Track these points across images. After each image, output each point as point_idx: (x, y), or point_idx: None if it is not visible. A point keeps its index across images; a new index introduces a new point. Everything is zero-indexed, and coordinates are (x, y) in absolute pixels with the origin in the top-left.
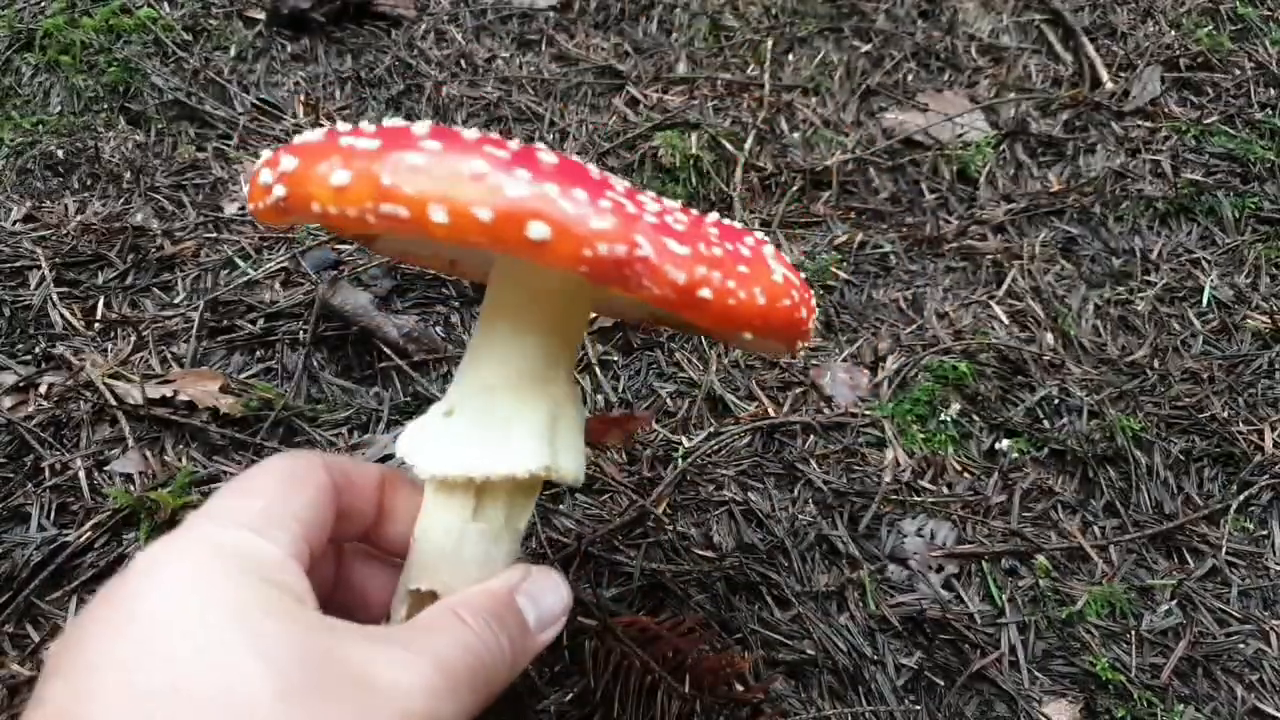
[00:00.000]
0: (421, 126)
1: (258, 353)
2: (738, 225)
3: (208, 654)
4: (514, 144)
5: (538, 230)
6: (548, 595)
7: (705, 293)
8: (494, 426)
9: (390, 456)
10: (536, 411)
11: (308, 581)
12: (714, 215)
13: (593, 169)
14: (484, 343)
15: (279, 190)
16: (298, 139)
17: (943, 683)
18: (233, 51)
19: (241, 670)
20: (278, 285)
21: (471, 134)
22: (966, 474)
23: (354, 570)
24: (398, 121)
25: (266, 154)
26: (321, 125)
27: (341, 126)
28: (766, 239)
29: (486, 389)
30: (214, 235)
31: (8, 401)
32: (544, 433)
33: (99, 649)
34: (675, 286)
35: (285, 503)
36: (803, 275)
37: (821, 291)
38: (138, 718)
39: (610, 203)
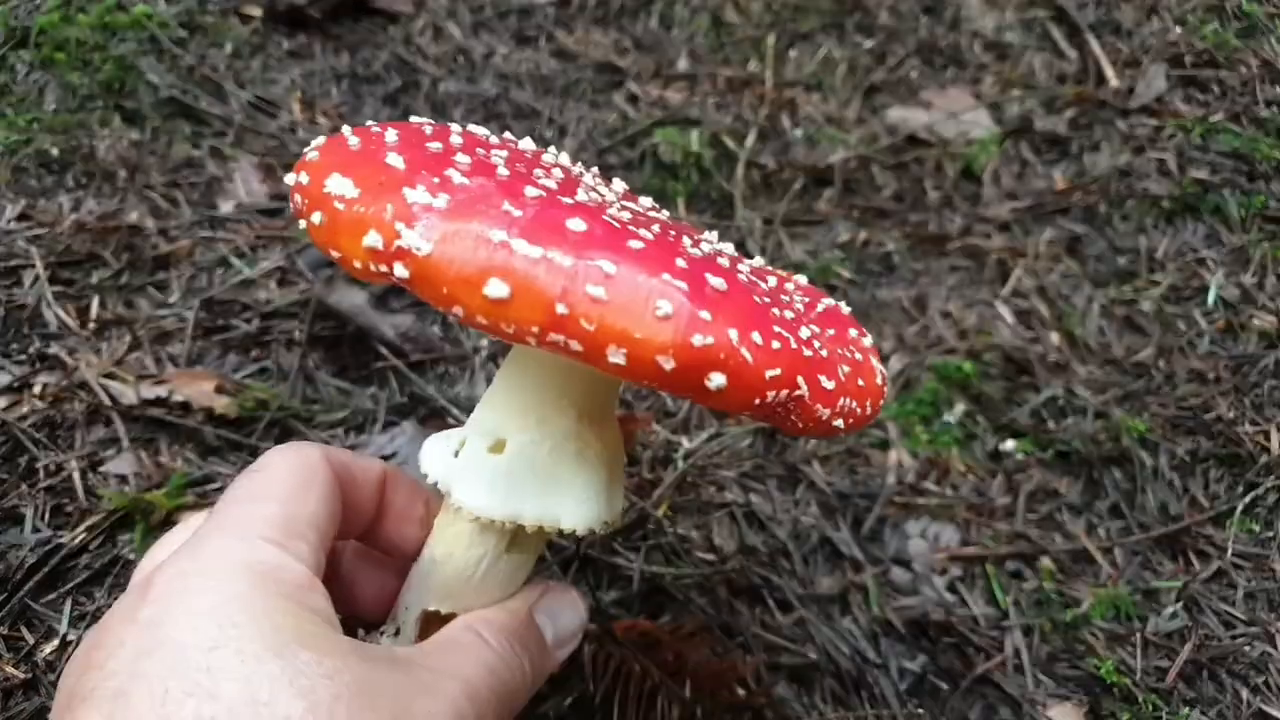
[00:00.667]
0: (571, 208)
1: (253, 352)
2: (832, 305)
3: (251, 691)
4: (670, 233)
5: (717, 381)
6: (565, 612)
7: (839, 423)
8: (555, 479)
9: (387, 457)
10: (598, 466)
11: (329, 599)
12: (802, 281)
13: (748, 275)
14: (536, 370)
15: (420, 244)
16: (455, 181)
17: (946, 686)
18: (228, 48)
19: (285, 711)
20: (273, 284)
21: (616, 212)
22: (971, 475)
23: (344, 565)
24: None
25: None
26: (316, 123)
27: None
28: (859, 327)
29: (544, 429)
30: (209, 234)
31: (2, 401)
32: (604, 488)
33: (129, 677)
34: (819, 422)
35: (300, 506)
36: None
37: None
38: None
39: (779, 341)
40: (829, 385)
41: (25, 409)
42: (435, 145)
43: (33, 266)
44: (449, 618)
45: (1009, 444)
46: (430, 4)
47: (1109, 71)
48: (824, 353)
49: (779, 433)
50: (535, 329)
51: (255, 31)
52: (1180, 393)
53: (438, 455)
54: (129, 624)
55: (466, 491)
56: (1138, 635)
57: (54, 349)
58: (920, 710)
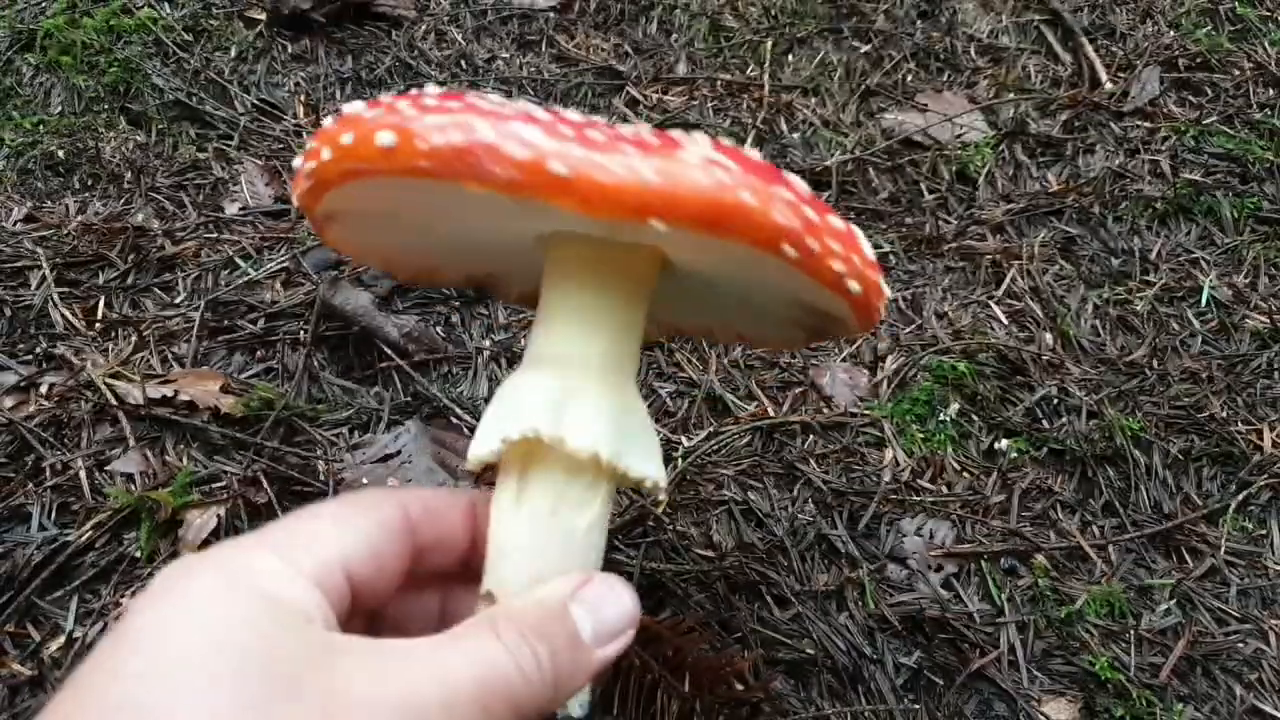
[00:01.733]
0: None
1: (258, 353)
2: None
3: (176, 670)
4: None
5: (385, 139)
6: (608, 604)
7: (557, 166)
8: (553, 392)
9: (390, 456)
10: (606, 393)
11: (320, 598)
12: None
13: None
14: (552, 319)
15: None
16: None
17: (942, 682)
18: (233, 52)
19: (207, 697)
20: (278, 285)
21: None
22: (966, 474)
23: (461, 600)
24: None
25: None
26: (320, 126)
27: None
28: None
29: (551, 360)
30: (214, 235)
31: (9, 401)
32: (614, 417)
33: (111, 663)
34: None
35: (324, 529)
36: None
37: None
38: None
39: (443, 116)
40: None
41: (32, 408)
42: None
43: (39, 267)
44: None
45: (1003, 443)
46: (433, 9)
47: (1103, 75)
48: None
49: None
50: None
51: (260, 35)
52: (1174, 392)
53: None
54: (121, 618)
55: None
56: (1131, 632)
57: (60, 349)
58: (916, 705)
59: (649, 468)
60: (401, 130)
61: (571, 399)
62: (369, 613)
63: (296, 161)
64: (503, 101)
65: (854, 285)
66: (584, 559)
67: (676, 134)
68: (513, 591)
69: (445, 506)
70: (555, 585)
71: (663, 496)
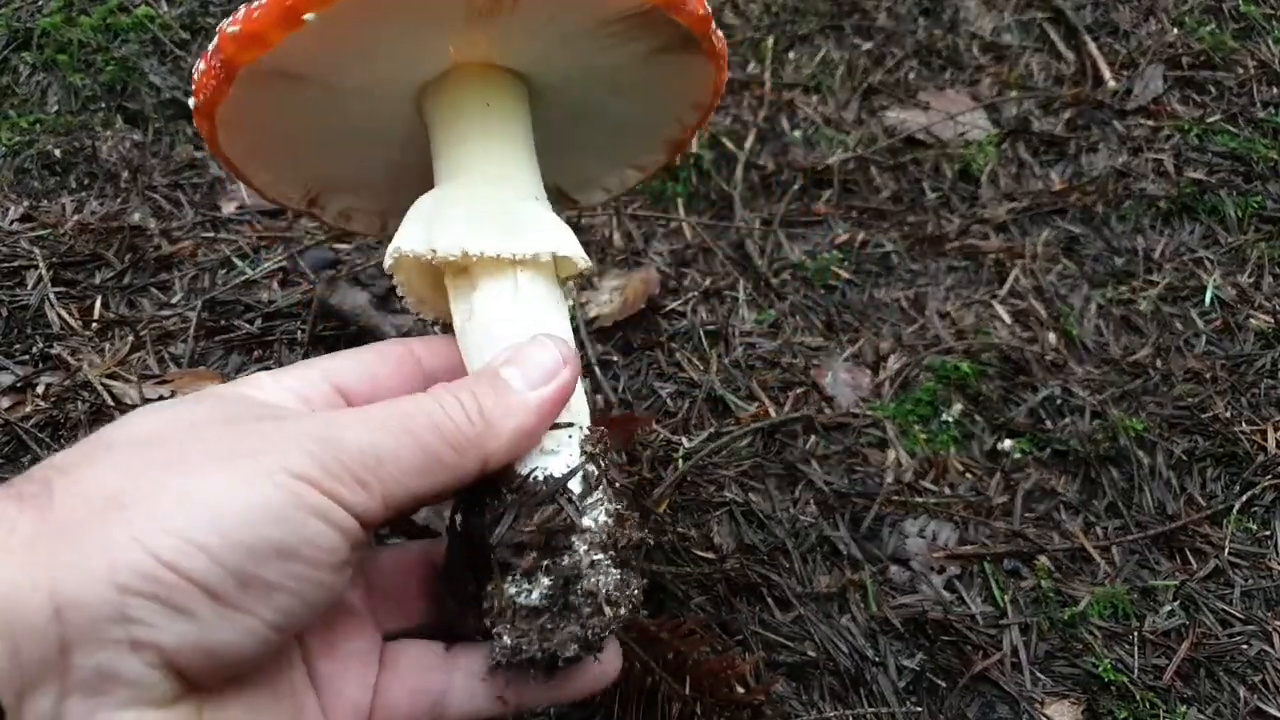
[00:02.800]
0: None
1: (255, 352)
2: None
3: (146, 414)
4: None
5: None
6: (534, 353)
7: None
8: (425, 210)
9: None
10: (476, 195)
11: (293, 400)
12: None
13: None
14: (440, 155)
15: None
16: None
17: (944, 684)
18: None
19: (162, 418)
20: (275, 285)
21: None
22: (968, 474)
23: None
24: None
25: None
26: None
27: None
28: None
29: (437, 186)
30: (212, 235)
31: (5, 402)
32: (484, 214)
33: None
34: None
35: (321, 358)
36: None
37: (823, 291)
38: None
39: None
40: None
41: (28, 409)
42: None
43: (36, 267)
44: None
45: (1006, 443)
46: None
47: (1106, 73)
48: None
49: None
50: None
51: None
52: (1177, 392)
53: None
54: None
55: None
56: (1135, 633)
57: (57, 349)
58: (918, 708)
59: (550, 245)
60: None
61: (439, 211)
62: None
63: (199, 66)
64: None
65: (715, 36)
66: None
67: None
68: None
69: (450, 345)
70: (490, 360)
71: (582, 265)
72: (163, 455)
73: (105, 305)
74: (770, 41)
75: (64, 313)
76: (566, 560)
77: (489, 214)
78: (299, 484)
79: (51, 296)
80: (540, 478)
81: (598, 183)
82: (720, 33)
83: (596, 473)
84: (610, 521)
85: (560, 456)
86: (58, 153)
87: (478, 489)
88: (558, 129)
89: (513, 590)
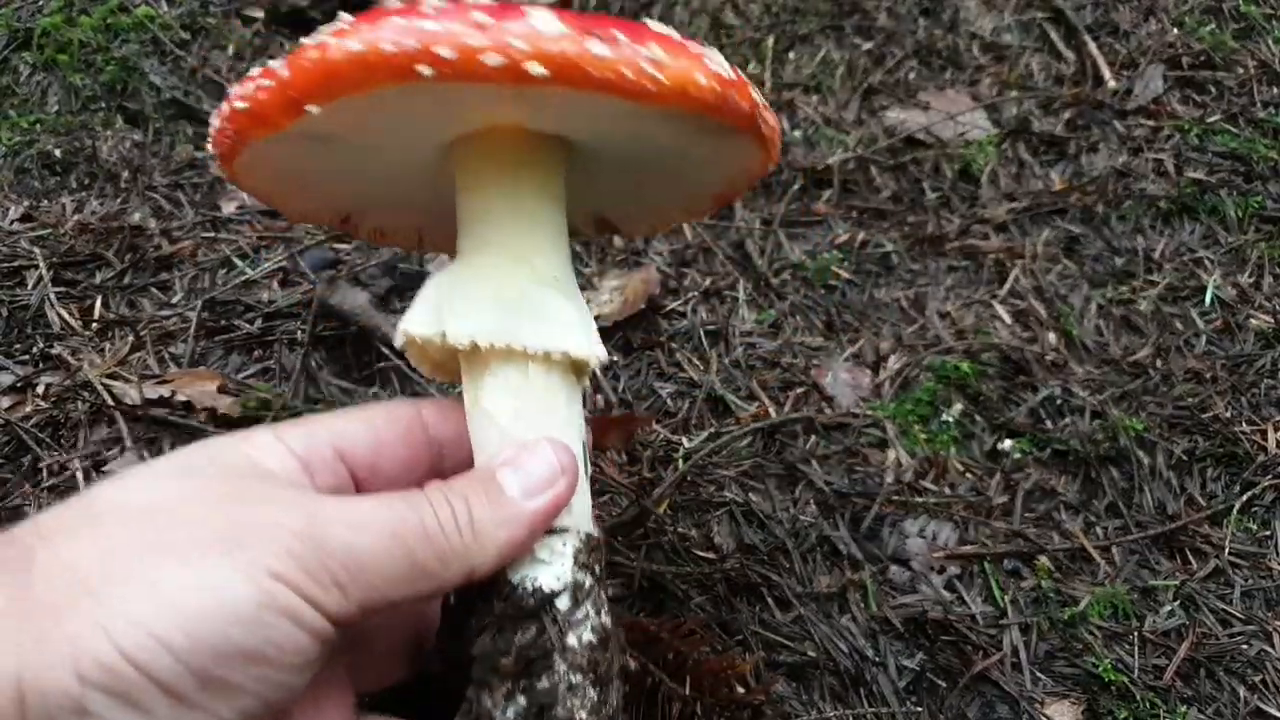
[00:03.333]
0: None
1: (255, 353)
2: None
3: (140, 478)
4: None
5: (492, 60)
6: (533, 461)
7: (537, 69)
8: (440, 289)
9: None
10: (496, 277)
11: (294, 465)
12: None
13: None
14: (464, 221)
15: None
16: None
17: (945, 684)
18: (231, 50)
19: (155, 486)
20: (276, 285)
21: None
22: (969, 474)
23: None
24: None
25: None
26: None
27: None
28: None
29: (458, 258)
30: (212, 235)
31: (5, 402)
32: (503, 300)
33: (68, 505)
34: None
35: (326, 417)
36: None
37: (823, 291)
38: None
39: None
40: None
41: (29, 409)
42: None
43: (36, 267)
44: None
45: (1007, 443)
46: None
47: (1106, 73)
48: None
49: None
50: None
51: (257, 33)
52: (1177, 392)
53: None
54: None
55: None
56: (1135, 633)
57: (57, 349)
58: (919, 708)
59: (563, 342)
60: (363, 40)
61: (453, 292)
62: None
63: (214, 119)
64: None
65: (764, 125)
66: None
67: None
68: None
69: (460, 410)
70: (489, 460)
71: (595, 364)
72: (146, 534)
73: (105, 305)
74: (770, 41)
75: (64, 313)
76: (544, 683)
77: (505, 301)
78: (276, 584)
79: (52, 296)
80: (529, 589)
81: (640, 219)
82: (771, 116)
83: (587, 585)
84: (594, 641)
85: (551, 568)
86: (58, 153)
87: (467, 588)
88: (601, 174)
89: (488, 703)
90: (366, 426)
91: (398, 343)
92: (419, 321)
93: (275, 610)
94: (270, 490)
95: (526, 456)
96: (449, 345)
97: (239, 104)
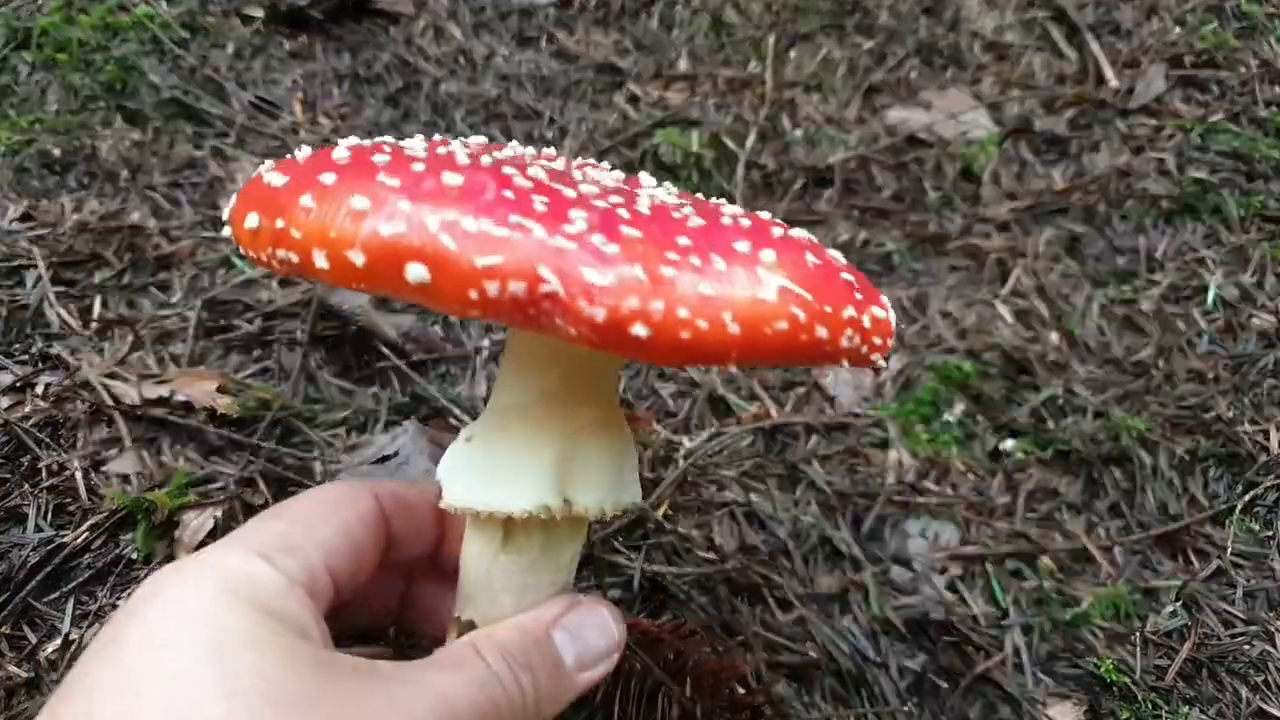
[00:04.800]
0: (383, 155)
1: (255, 352)
2: (750, 221)
3: (176, 688)
4: (468, 154)
5: (416, 273)
6: (590, 631)
7: (639, 329)
8: (499, 456)
9: (388, 456)
10: (543, 444)
11: (314, 610)
12: (732, 208)
13: (519, 161)
14: (506, 364)
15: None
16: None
17: (946, 685)
18: (230, 49)
19: (206, 710)
20: (275, 284)
21: (450, 149)
22: (970, 475)
23: (424, 589)
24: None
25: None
26: (318, 124)
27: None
28: (787, 235)
29: (502, 412)
30: (211, 234)
31: (4, 401)
32: (549, 467)
33: (83, 672)
34: (594, 325)
35: (310, 529)
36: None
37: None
38: None
39: (510, 228)
40: (601, 279)
41: (28, 409)
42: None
43: (35, 267)
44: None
45: (1009, 443)
46: (431, 5)
47: (1108, 72)
48: (614, 248)
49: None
50: (268, 249)
51: (257, 32)
52: (1180, 392)
53: (445, 456)
54: (110, 625)
55: (445, 482)
56: (1137, 634)
57: (56, 349)
58: (920, 709)
59: (633, 497)
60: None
61: (572, 464)
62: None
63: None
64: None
65: (879, 360)
66: (565, 583)
67: (668, 200)
68: (495, 618)
69: (417, 499)
70: (539, 612)
71: (611, 513)
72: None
73: (105, 305)
74: (771, 40)
75: (63, 312)
76: None
77: (616, 470)
78: None
79: (51, 296)
80: None
81: None
82: (867, 319)
83: None
84: None
85: None
86: (57, 152)
87: None
88: None
89: None
90: (347, 540)
91: (517, 511)
92: (548, 494)
93: None
94: (337, 680)
95: (583, 620)
96: (575, 514)
97: (283, 255)
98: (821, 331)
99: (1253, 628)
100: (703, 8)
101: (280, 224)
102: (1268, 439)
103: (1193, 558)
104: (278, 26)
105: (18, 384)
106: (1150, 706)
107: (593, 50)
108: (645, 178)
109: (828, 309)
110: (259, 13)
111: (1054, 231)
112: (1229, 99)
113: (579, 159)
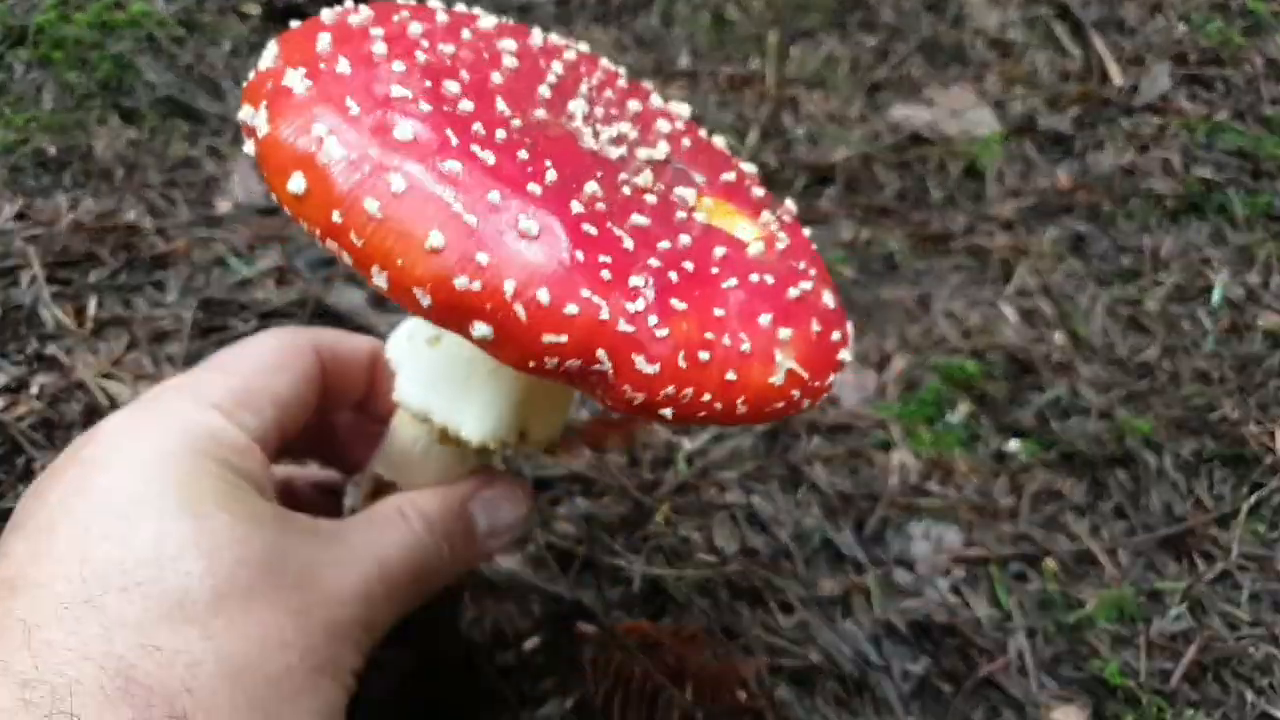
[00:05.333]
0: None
1: None
2: (787, 270)
3: (159, 546)
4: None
5: (480, 330)
6: (503, 506)
7: (666, 412)
8: (469, 384)
9: None
10: (516, 381)
11: (269, 468)
12: (769, 220)
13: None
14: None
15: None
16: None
17: (949, 689)
18: (227, 47)
19: (187, 568)
20: (271, 284)
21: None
22: (974, 476)
23: (341, 431)
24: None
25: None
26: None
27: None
28: (802, 291)
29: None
30: (207, 234)
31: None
32: (516, 405)
33: (60, 511)
34: (630, 404)
35: (264, 380)
36: (841, 357)
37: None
38: (84, 592)
39: (580, 305)
40: (648, 369)
41: (23, 409)
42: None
43: (29, 266)
44: (395, 488)
45: (1013, 445)
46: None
47: (1113, 69)
48: (662, 331)
49: (764, 427)
50: (318, 231)
51: (254, 30)
52: (1185, 393)
53: (400, 337)
54: (72, 460)
55: (400, 378)
56: (1142, 637)
57: (51, 349)
58: (924, 714)
59: (545, 433)
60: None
61: (530, 404)
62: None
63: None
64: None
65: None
66: (474, 463)
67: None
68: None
69: (350, 354)
70: (461, 485)
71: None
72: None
73: (100, 304)
74: (773, 37)
75: (58, 312)
76: None
77: (497, 401)
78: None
79: (46, 296)
80: None
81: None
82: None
83: None
84: None
85: None
86: (52, 150)
87: None
88: None
89: None
90: (295, 396)
91: (486, 441)
92: (491, 431)
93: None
94: (295, 544)
95: (499, 495)
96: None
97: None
98: (805, 403)
99: (1258, 630)
100: (704, 4)
101: (338, 218)
102: (1273, 440)
103: (1198, 560)
104: (275, 24)
105: (12, 384)
106: (1155, 710)
107: (592, 47)
108: (655, 102)
109: (815, 384)
110: (256, 10)
111: (1058, 230)
112: (1234, 97)
113: (588, 69)
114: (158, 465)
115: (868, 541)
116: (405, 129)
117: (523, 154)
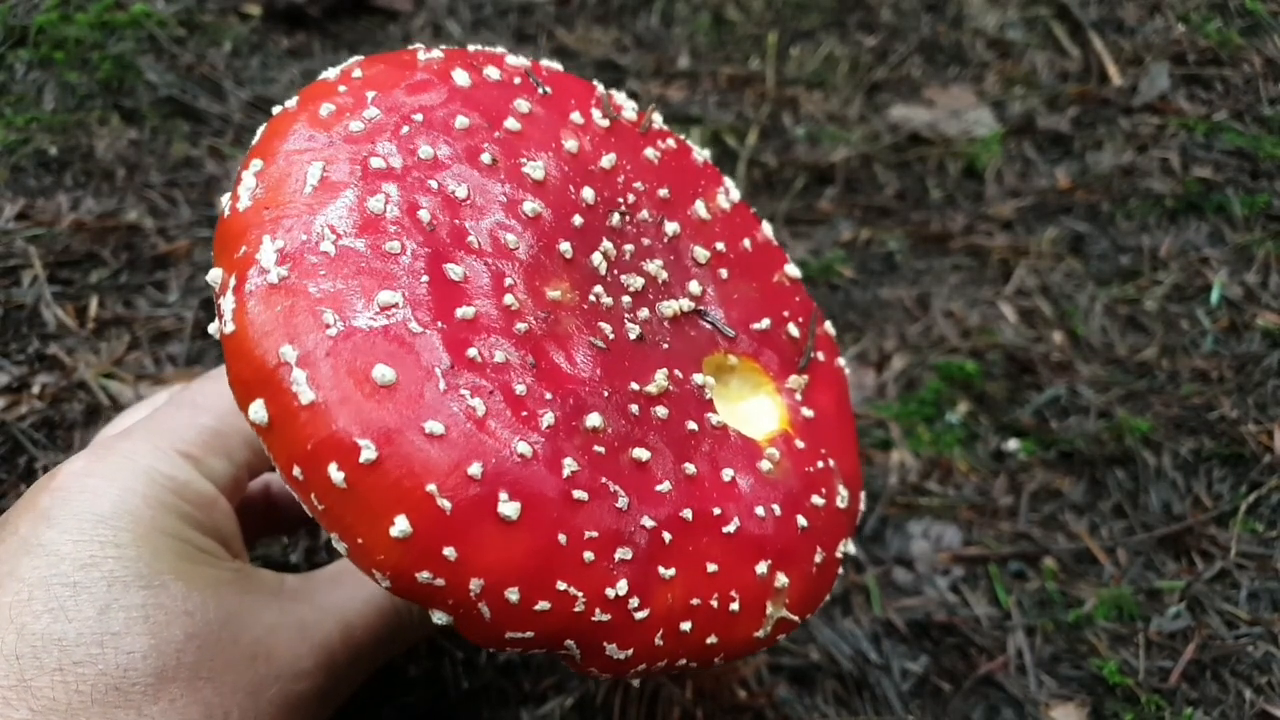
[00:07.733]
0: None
1: None
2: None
3: (104, 621)
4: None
5: (439, 617)
6: None
7: (634, 682)
8: None
9: None
10: None
11: (233, 516)
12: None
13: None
14: None
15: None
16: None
17: (949, 687)
18: (227, 47)
19: (130, 646)
20: None
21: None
22: (973, 475)
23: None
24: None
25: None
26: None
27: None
28: (811, 523)
29: None
30: (208, 234)
31: (1, 402)
32: None
33: (5, 571)
34: (593, 675)
35: (238, 422)
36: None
37: (827, 290)
38: (17, 671)
39: (552, 601)
40: (619, 655)
41: (24, 409)
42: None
43: (31, 266)
44: None
45: (1012, 444)
46: (430, 2)
47: (1112, 69)
48: (642, 614)
49: None
50: (281, 472)
51: (254, 30)
52: (1183, 392)
53: None
54: (29, 507)
55: None
56: (1140, 635)
57: (53, 349)
58: (923, 712)
59: None
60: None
61: None
62: None
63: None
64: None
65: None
66: None
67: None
68: None
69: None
70: None
71: None
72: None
73: (101, 304)
74: (773, 37)
75: (60, 312)
76: None
77: None
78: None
79: (47, 295)
80: None
81: None
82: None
83: None
84: None
85: None
86: (54, 151)
87: None
88: None
89: None
90: (255, 448)
91: None
92: None
93: None
94: (257, 606)
95: None
96: None
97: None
98: (780, 640)
99: (1257, 629)
100: (703, 4)
101: (298, 474)
102: (1272, 439)
103: (1196, 559)
104: (275, 24)
105: (14, 384)
106: (1153, 708)
107: (592, 47)
108: (698, 210)
109: (797, 619)
110: (256, 10)
111: (1057, 230)
112: (1233, 97)
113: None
114: (114, 524)
115: (867, 540)
116: (386, 373)
117: (520, 389)
